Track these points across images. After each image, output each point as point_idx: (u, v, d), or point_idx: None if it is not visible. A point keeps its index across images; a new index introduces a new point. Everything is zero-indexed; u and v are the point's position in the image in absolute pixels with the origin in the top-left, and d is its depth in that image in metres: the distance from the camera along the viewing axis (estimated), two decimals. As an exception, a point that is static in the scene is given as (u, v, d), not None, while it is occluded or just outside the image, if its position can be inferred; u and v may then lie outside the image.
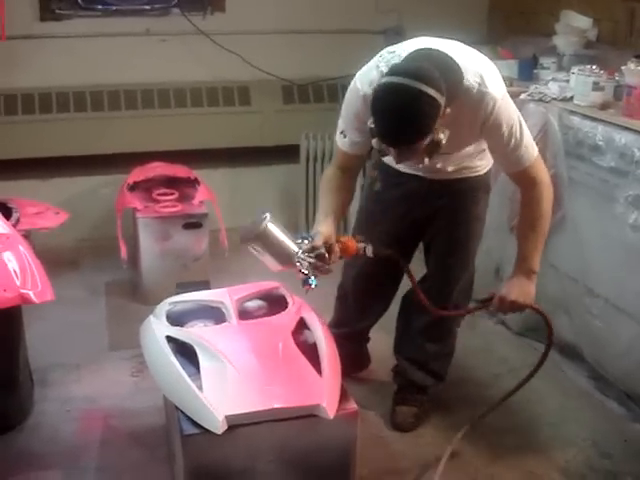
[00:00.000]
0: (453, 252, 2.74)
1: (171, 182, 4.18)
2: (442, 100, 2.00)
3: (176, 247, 3.85)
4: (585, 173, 3.12)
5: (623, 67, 3.09)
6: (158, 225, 3.84)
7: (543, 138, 3.23)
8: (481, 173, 2.65)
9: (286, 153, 4.63)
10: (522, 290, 2.38)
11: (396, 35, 4.26)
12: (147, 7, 4.47)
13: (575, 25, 3.91)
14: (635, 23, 3.67)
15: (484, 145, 2.45)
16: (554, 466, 2.68)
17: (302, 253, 2.25)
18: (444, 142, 2.06)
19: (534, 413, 3.00)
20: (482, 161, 2.61)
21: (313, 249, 2.26)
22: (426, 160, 2.10)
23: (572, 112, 3.19)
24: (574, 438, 2.84)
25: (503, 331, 3.63)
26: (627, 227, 2.84)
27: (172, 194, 4.05)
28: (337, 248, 2.32)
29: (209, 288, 2.94)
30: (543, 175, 2.36)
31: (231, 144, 4.71)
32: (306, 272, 2.24)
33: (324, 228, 2.33)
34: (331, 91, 4.76)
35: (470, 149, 2.48)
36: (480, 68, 2.20)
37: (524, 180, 2.36)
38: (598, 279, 3.10)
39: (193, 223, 3.85)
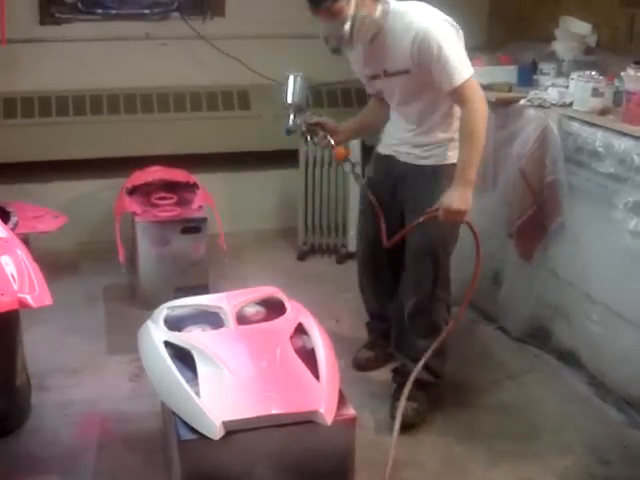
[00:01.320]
0: (418, 235, 2.84)
1: (170, 186, 4.17)
2: None
3: (175, 251, 3.84)
4: (584, 179, 3.12)
5: (622, 73, 3.09)
6: (157, 229, 3.83)
7: (542, 144, 3.23)
8: (448, 162, 2.81)
9: (285, 158, 4.62)
10: (463, 198, 2.60)
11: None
12: (147, 11, 4.49)
13: (574, 31, 3.91)
14: (634, 29, 3.67)
15: (449, 119, 2.79)
16: (553, 472, 2.67)
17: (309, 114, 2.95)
18: (363, 18, 2.61)
19: (533, 419, 2.99)
20: (451, 152, 2.79)
21: (306, 122, 2.92)
22: (345, 27, 2.59)
23: (571, 118, 3.19)
24: (573, 444, 2.83)
25: (502, 337, 3.62)
26: (626, 233, 2.83)
27: (171, 198, 4.04)
28: (331, 141, 2.96)
29: (208, 292, 2.94)
30: (475, 94, 2.62)
31: (230, 148, 4.71)
32: (291, 120, 2.89)
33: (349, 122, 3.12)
34: (330, 96, 4.76)
35: (434, 117, 2.80)
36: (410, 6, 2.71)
37: (457, 98, 2.64)
38: (597, 285, 3.09)
39: (192, 227, 3.85)
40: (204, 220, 3.89)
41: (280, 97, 2.90)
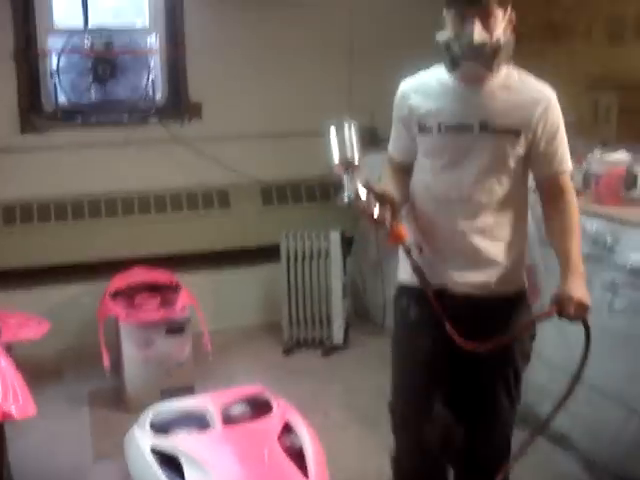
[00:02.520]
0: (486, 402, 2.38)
1: (153, 288, 4.19)
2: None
3: (159, 353, 3.82)
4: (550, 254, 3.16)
5: (589, 155, 3.19)
6: (140, 332, 3.82)
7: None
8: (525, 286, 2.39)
9: (267, 253, 4.67)
10: (583, 290, 2.14)
11: (370, 135, 4.36)
12: (126, 117, 4.58)
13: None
14: (599, 112, 3.80)
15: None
16: None
17: (360, 181, 2.11)
18: (508, 44, 2.14)
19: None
20: (518, 271, 2.37)
21: (369, 188, 2.12)
22: (496, 38, 2.11)
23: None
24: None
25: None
26: (605, 312, 2.86)
27: (154, 300, 4.05)
28: (387, 216, 2.13)
29: (193, 393, 2.92)
30: (571, 186, 2.29)
31: (212, 247, 4.76)
32: (349, 189, 2.10)
33: (394, 190, 2.24)
34: (309, 191, 4.86)
35: (509, 211, 2.28)
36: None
37: (557, 185, 2.26)
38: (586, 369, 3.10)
39: (176, 328, 3.84)
40: (188, 320, 3.89)
41: (328, 156, 2.19)
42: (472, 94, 2.21)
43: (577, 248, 2.20)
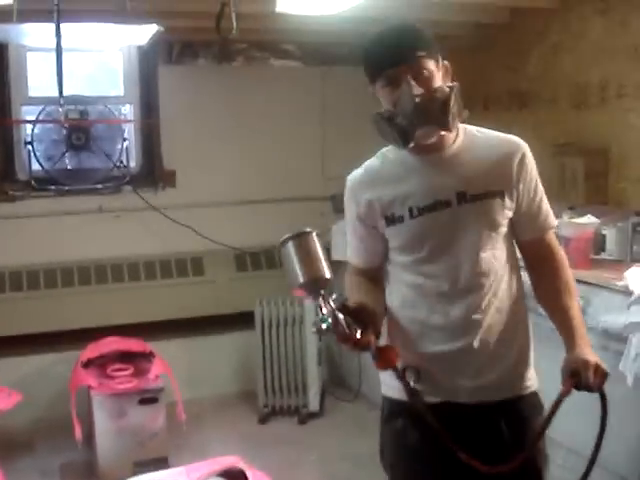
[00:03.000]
0: None
1: (126, 357, 4.14)
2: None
3: (132, 424, 3.76)
4: (534, 324, 3.17)
5: (558, 220, 3.23)
6: (113, 402, 3.76)
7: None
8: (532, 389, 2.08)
9: (241, 320, 4.65)
10: (595, 355, 1.86)
11: (343, 201, 4.39)
12: (99, 186, 4.59)
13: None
14: (566, 177, 3.87)
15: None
16: None
17: (333, 301, 1.72)
18: (454, 93, 1.83)
19: None
20: (528, 359, 2.07)
21: (346, 309, 1.74)
22: (440, 92, 1.82)
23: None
24: None
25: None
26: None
27: (127, 369, 4.00)
28: (372, 339, 1.76)
29: (167, 465, 2.87)
30: (558, 244, 2.07)
31: (186, 314, 4.73)
32: (324, 314, 1.71)
33: (370, 305, 1.85)
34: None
35: (507, 283, 1.98)
36: None
37: (549, 246, 2.02)
38: (560, 429, 3.08)
39: (149, 398, 3.79)
40: (161, 390, 3.84)
41: (288, 276, 1.75)
42: (437, 164, 1.92)
43: (578, 310, 1.97)
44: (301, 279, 1.70)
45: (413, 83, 1.79)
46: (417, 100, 1.79)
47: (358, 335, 1.72)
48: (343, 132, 4.86)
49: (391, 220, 1.94)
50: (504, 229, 1.94)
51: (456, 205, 1.89)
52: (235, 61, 4.86)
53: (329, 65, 4.94)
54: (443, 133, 1.86)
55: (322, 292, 1.70)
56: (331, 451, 4.02)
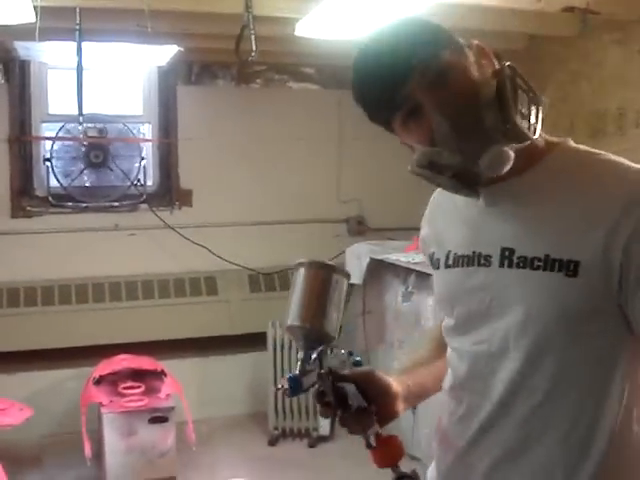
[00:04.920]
0: None
1: (137, 375, 4.13)
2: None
3: (142, 442, 3.75)
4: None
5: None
6: (123, 420, 3.76)
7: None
8: None
9: (253, 341, 4.64)
10: None
11: (358, 224, 4.41)
12: (116, 204, 4.62)
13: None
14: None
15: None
16: None
17: (333, 356, 1.31)
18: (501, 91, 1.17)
19: None
20: None
21: (341, 377, 1.30)
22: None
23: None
24: None
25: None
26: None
27: (138, 387, 4.00)
28: (376, 428, 1.31)
29: (175, 485, 2.85)
30: None
31: (198, 334, 4.73)
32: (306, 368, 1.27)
33: (399, 376, 1.43)
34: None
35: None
36: None
37: None
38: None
39: (159, 417, 3.78)
40: (172, 409, 3.83)
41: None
42: (493, 199, 1.27)
43: None
44: (290, 320, 1.28)
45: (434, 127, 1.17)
46: (454, 144, 1.17)
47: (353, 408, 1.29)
48: (359, 155, 4.87)
49: (431, 261, 1.43)
50: (582, 326, 1.19)
51: (497, 265, 1.26)
52: (254, 83, 4.89)
53: (347, 89, 4.95)
54: (511, 150, 1.16)
55: (317, 347, 1.27)
56: (340, 476, 3.99)
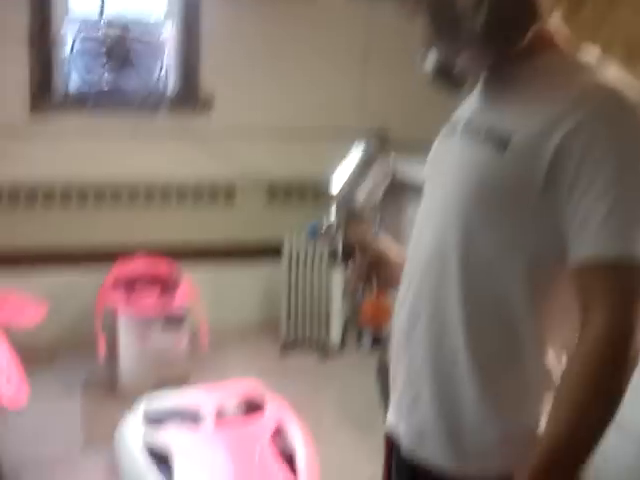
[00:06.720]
0: None
1: (153, 279, 4.17)
2: None
3: (156, 345, 3.81)
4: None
5: None
6: (138, 323, 3.81)
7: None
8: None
9: (269, 252, 4.65)
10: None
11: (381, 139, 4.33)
12: (136, 107, 4.55)
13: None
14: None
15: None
16: None
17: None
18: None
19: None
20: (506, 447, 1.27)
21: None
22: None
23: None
24: None
25: None
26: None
27: (154, 291, 4.04)
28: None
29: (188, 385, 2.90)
30: (633, 308, 1.11)
31: (215, 240, 4.74)
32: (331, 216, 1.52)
33: None
34: (315, 191, 4.82)
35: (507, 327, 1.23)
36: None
37: (601, 289, 1.13)
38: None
39: (174, 321, 3.83)
40: (186, 314, 3.88)
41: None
42: (487, 85, 1.34)
43: (583, 416, 1.12)
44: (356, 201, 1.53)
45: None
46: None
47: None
48: (385, 68, 4.75)
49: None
50: (499, 200, 1.21)
51: (459, 133, 1.33)
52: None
53: (375, 0, 4.80)
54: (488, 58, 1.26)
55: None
56: (349, 386, 4.06)
